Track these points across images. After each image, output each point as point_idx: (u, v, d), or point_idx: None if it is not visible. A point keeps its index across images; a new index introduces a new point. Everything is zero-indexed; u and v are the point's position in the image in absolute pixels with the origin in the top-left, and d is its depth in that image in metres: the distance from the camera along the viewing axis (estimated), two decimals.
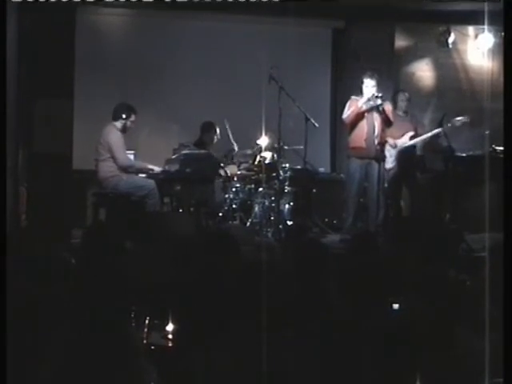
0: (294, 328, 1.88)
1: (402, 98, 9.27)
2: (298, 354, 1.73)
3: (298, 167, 8.83)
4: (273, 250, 6.47)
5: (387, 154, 8.79)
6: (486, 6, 7.76)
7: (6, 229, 3.12)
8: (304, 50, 9.85)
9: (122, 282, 3.71)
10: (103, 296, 3.34)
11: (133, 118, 8.14)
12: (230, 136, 8.75)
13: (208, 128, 9.06)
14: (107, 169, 8.03)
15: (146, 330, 3.39)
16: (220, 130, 8.97)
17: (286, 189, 8.61)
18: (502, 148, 8.40)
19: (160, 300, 3.52)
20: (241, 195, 8.62)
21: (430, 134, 9.09)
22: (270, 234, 8.18)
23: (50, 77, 7.97)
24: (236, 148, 8.78)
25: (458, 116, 8.98)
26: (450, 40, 10.19)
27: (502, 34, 9.57)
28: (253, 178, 8.75)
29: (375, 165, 8.34)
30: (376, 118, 8.37)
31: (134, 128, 8.27)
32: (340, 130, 9.87)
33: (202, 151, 8.66)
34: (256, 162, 8.78)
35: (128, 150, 8.28)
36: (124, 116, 8.08)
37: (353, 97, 8.54)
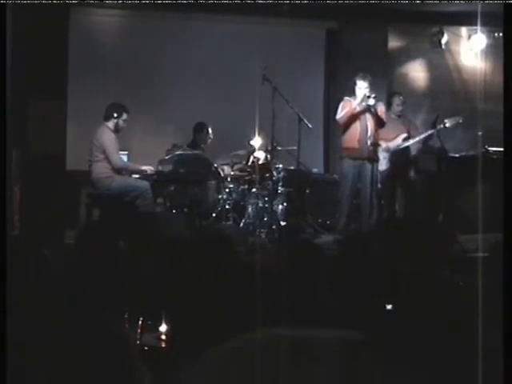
0: (288, 328, 1.89)
1: (398, 102, 9.22)
2: (292, 356, 1.73)
3: (292, 168, 8.83)
4: (266, 250, 6.46)
5: (380, 156, 8.79)
6: (479, 7, 7.78)
7: (6, 230, 3.12)
8: (298, 51, 9.85)
9: (116, 282, 3.71)
10: (96, 297, 3.34)
11: (124, 116, 8.12)
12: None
13: (201, 129, 9.07)
14: (101, 170, 8.03)
15: (139, 330, 3.40)
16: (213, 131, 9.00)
17: (280, 189, 8.61)
18: (494, 148, 8.42)
19: (153, 301, 3.52)
20: (234, 196, 8.61)
21: (423, 136, 9.09)
22: (263, 235, 8.18)
23: (44, 77, 7.95)
24: None
25: (451, 117, 8.97)
26: (443, 41, 10.21)
27: (496, 34, 9.61)
28: (246, 178, 8.75)
29: (368, 165, 8.36)
30: (369, 119, 8.39)
31: (127, 128, 8.27)
32: (333, 130, 9.88)
33: (195, 152, 8.67)
34: (249, 163, 8.79)
35: (121, 150, 8.28)
36: (115, 115, 8.07)
37: (346, 98, 8.55)
